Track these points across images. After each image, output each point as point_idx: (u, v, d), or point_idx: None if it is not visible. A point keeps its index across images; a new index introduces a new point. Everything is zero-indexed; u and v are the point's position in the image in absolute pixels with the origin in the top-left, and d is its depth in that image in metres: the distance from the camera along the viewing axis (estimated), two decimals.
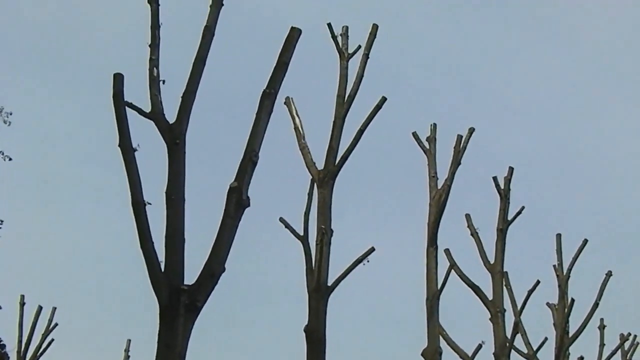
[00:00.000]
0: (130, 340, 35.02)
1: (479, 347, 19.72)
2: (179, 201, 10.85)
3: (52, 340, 29.86)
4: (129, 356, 34.56)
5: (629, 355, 33.55)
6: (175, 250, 10.66)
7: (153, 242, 10.61)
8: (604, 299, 27.48)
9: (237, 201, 10.96)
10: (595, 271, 29.16)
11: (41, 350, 29.40)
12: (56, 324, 30.46)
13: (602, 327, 32.04)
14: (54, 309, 30.99)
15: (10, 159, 19.31)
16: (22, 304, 29.78)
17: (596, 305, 26.70)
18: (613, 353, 31.37)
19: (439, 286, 18.61)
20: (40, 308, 29.99)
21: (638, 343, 33.94)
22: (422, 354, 17.98)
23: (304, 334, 13.19)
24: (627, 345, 33.47)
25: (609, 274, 28.46)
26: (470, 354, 19.93)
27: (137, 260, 10.59)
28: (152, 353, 10.13)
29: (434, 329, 18.30)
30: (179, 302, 10.28)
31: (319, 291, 13.70)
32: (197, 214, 11.70)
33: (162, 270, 10.50)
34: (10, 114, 19.62)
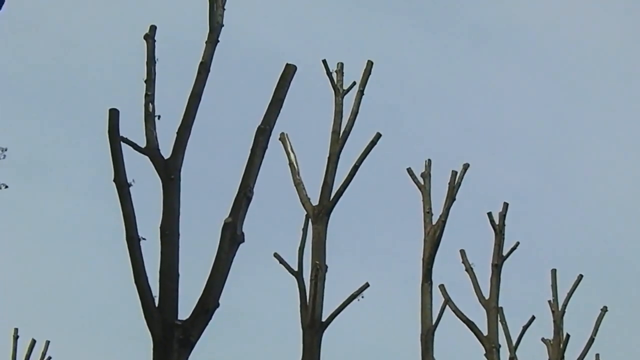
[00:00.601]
0: None
1: None
2: (174, 236, 10.87)
3: None
4: None
5: None
6: (169, 285, 10.66)
7: (147, 277, 10.61)
8: (600, 334, 27.43)
9: (231, 237, 10.98)
10: (591, 307, 29.13)
11: None
12: (49, 358, 30.38)
13: None
14: (48, 342, 30.87)
15: (6, 187, 19.29)
16: (16, 337, 29.64)
17: (592, 340, 26.64)
18: None
19: (434, 322, 18.62)
20: (33, 341, 29.87)
21: None
22: None
23: None
24: None
25: (605, 310, 28.43)
26: None
27: (131, 295, 10.60)
28: None
29: None
30: (173, 338, 10.27)
31: (313, 327, 13.70)
32: (192, 249, 11.71)
33: (156, 305, 10.50)
34: (5, 149, 19.62)
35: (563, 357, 24.75)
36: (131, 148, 11.05)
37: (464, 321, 21.47)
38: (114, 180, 10.82)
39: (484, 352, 20.79)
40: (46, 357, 30.20)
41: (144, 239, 10.76)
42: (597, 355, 32.13)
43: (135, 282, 10.56)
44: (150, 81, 11.39)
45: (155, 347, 10.30)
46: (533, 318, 21.44)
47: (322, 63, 17.54)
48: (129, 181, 10.84)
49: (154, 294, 10.56)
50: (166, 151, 11.18)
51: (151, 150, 11.14)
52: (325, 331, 14.17)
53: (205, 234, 11.68)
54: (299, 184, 16.57)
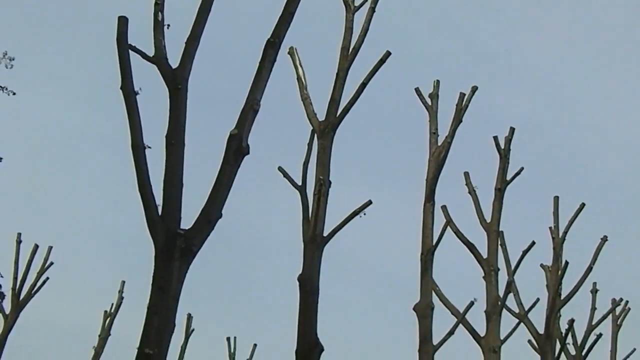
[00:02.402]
0: (124, 282, 35.28)
1: (471, 304, 19.84)
2: (179, 146, 10.88)
3: (47, 278, 30.07)
4: (122, 297, 34.83)
5: (619, 321, 33.78)
6: (173, 194, 10.71)
7: (151, 186, 10.66)
8: (598, 263, 27.60)
9: (236, 148, 10.99)
10: (591, 235, 29.26)
11: (36, 288, 29.61)
12: (52, 263, 30.65)
13: (594, 291, 32.22)
14: (50, 247, 31.17)
15: (14, 94, 19.27)
16: (19, 242, 29.96)
17: (590, 269, 26.81)
18: (604, 317, 31.58)
19: (434, 242, 18.70)
20: (36, 246, 30.14)
21: (629, 309, 34.17)
22: (414, 309, 18.11)
23: (297, 283, 13.27)
24: (618, 310, 33.69)
25: (604, 239, 28.55)
26: (461, 311, 20.03)
27: (135, 203, 10.65)
28: (146, 295, 10.21)
29: (427, 284, 18.41)
30: (175, 246, 10.35)
31: (315, 241, 13.74)
32: (197, 160, 11.74)
33: (160, 213, 10.56)
34: (13, 58, 19.57)
35: (561, 283, 24.92)
36: (139, 57, 11.00)
37: (464, 243, 21.59)
38: (121, 88, 10.80)
39: (483, 274, 20.94)
40: (48, 262, 30.55)
41: (149, 147, 10.78)
42: (595, 284, 32.41)
43: (139, 190, 10.61)
44: None
45: (157, 255, 10.38)
46: (533, 243, 21.52)
47: None
48: (135, 89, 10.83)
49: (157, 203, 10.62)
50: (174, 61, 11.14)
51: (159, 59, 11.09)
52: (327, 247, 14.25)
53: (211, 145, 11.70)
54: (306, 99, 16.48)
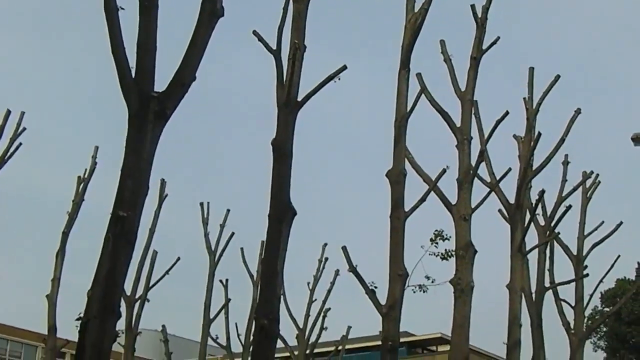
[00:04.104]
0: (97, 147, 35.30)
1: (443, 172, 20.00)
2: (153, 8, 10.73)
3: (20, 144, 29.99)
4: (96, 163, 34.88)
5: (589, 193, 34.32)
6: (146, 57, 10.61)
7: (124, 49, 10.53)
8: (570, 135, 27.83)
9: (210, 10, 10.86)
10: (564, 108, 29.42)
11: (9, 154, 29.55)
12: (24, 129, 30.53)
13: (565, 163, 32.65)
14: (23, 113, 30.99)
15: None
16: None
17: (562, 141, 27.04)
18: (574, 189, 32.07)
19: (408, 109, 18.69)
20: (8, 112, 29.94)
21: (599, 181, 34.70)
22: (386, 175, 18.23)
23: (271, 148, 13.27)
24: (588, 182, 34.20)
25: (578, 112, 28.74)
26: (434, 178, 20.20)
27: (109, 67, 10.54)
28: (120, 160, 10.20)
29: (400, 151, 18.48)
30: (149, 109, 10.32)
31: (289, 106, 13.68)
32: (171, 23, 11.57)
33: (133, 77, 10.47)
34: None
35: (533, 154, 25.13)
36: None
37: (438, 111, 21.62)
38: None
39: (456, 143, 21.03)
40: (21, 127, 30.40)
41: (122, 9, 10.62)
42: (566, 156, 32.81)
43: (113, 53, 10.49)
44: None
45: (130, 118, 10.35)
46: (507, 113, 21.53)
47: None
48: None
49: (131, 66, 10.51)
50: None
51: None
52: (301, 112, 14.20)
53: (185, 8, 11.52)
54: None
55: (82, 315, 9.54)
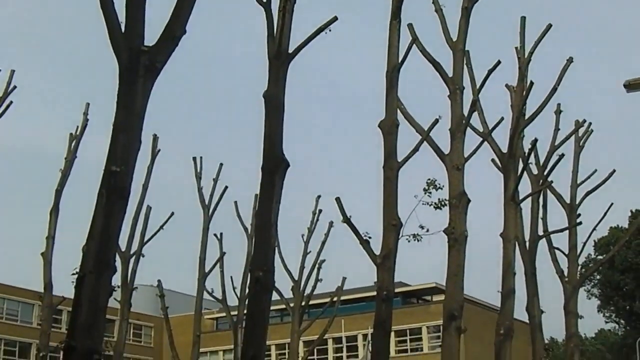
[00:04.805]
0: (88, 104, 35.26)
1: (436, 122, 20.00)
2: None
3: (11, 102, 29.92)
4: (87, 119, 34.88)
5: (582, 142, 34.39)
6: (136, 11, 10.52)
7: (113, 3, 10.45)
8: (563, 84, 27.81)
9: None
10: (557, 56, 29.35)
11: (0, 113, 29.47)
12: (15, 87, 30.43)
13: (558, 112, 32.67)
14: (12, 71, 30.88)
15: None
16: None
17: (554, 90, 27.02)
18: (567, 138, 32.13)
19: (400, 60, 18.64)
20: None
21: (592, 130, 34.75)
22: (379, 126, 18.23)
23: (263, 100, 13.24)
24: (581, 131, 34.26)
25: (570, 60, 28.69)
26: (426, 129, 20.20)
27: (98, 22, 10.47)
28: (111, 116, 10.17)
29: (393, 102, 18.47)
30: (139, 63, 10.26)
31: (280, 58, 13.62)
32: None
33: (123, 31, 10.40)
34: None
35: (525, 103, 25.11)
36: None
37: (430, 61, 21.55)
38: None
39: (448, 93, 20.99)
40: (11, 86, 30.29)
41: None
42: (559, 105, 32.82)
43: (102, 7, 10.40)
44: None
45: (121, 73, 10.30)
46: (498, 63, 21.47)
47: None
48: None
49: (120, 20, 10.43)
50: None
51: None
52: (293, 65, 14.14)
53: None
54: None
55: (78, 270, 9.57)
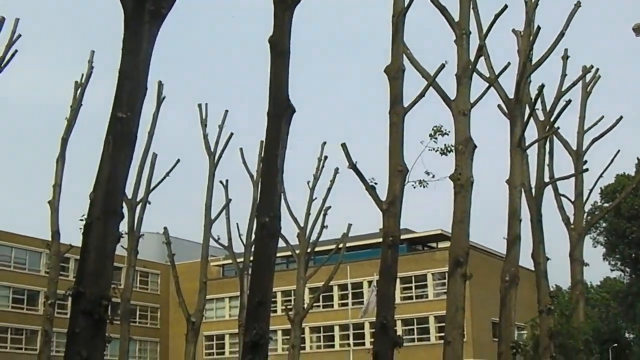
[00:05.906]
0: (93, 52, 35.16)
1: (442, 67, 19.85)
2: None
3: (16, 51, 29.83)
4: (92, 67, 34.80)
5: (589, 88, 34.31)
6: None
7: None
8: (570, 29, 27.63)
9: None
10: (564, 1, 29.10)
11: (5, 61, 29.43)
12: (19, 35, 30.32)
13: (565, 58, 32.53)
14: (17, 20, 30.74)
15: None
16: None
17: (562, 34, 26.84)
18: (574, 84, 32.01)
19: (406, 4, 18.48)
20: (2, 19, 29.65)
21: (599, 76, 34.63)
22: (385, 71, 18.14)
23: (268, 45, 13.15)
24: (588, 77, 34.16)
25: (578, 5, 28.50)
26: (432, 74, 20.08)
27: None
28: (117, 63, 10.13)
29: (399, 47, 18.35)
30: (144, 9, 10.20)
31: (285, 2, 13.50)
32: None
33: None
34: None
35: (532, 49, 24.96)
36: None
37: (435, 5, 21.33)
38: None
39: (454, 38, 20.81)
40: (16, 35, 30.17)
41: None
42: (566, 50, 32.65)
43: None
44: None
45: (126, 19, 10.24)
46: (505, 7, 21.28)
47: None
48: None
49: None
50: None
51: None
52: (298, 9, 14.01)
53: None
54: None
55: (85, 217, 9.59)
